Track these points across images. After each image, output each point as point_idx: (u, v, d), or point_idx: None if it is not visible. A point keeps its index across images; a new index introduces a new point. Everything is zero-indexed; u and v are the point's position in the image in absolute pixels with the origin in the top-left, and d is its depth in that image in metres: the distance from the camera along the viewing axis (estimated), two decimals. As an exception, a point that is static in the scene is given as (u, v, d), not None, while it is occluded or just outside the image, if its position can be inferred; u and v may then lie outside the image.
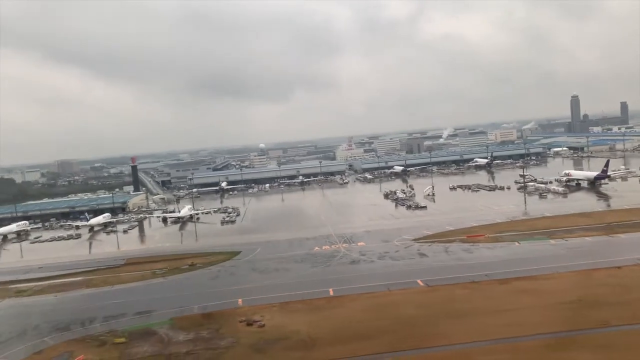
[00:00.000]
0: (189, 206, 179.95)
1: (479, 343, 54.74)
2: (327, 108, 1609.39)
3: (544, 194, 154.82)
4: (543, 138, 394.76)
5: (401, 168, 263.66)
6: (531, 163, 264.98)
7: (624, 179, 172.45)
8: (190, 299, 78.47)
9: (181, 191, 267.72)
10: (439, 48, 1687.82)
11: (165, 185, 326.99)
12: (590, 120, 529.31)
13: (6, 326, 73.86)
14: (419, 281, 77.10)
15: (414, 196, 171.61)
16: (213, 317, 69.78)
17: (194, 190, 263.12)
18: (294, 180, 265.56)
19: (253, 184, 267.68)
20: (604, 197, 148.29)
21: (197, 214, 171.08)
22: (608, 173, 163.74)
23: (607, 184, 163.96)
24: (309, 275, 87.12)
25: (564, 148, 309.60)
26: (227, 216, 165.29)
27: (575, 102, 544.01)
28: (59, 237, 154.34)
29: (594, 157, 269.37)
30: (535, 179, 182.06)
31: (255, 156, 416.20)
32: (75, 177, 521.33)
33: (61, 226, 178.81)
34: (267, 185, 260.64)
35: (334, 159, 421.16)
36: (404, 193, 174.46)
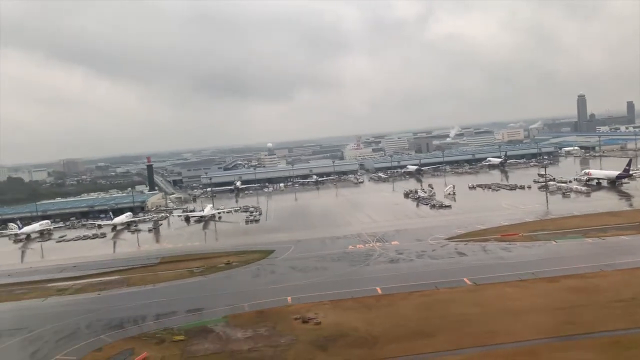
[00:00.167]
0: (211, 205, 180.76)
1: (542, 340, 55.27)
2: (328, 108, 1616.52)
3: (567, 193, 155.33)
4: (552, 137, 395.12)
5: (415, 167, 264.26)
6: (545, 162, 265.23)
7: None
8: (238, 297, 79.01)
9: (196, 190, 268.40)
10: (442, 48, 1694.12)
11: (176, 184, 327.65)
12: (597, 119, 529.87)
13: (58, 324, 74.30)
14: (465, 279, 77.63)
15: (435, 195, 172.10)
16: (266, 315, 70.38)
17: (208, 189, 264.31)
18: (308, 180, 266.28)
19: (266, 183, 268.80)
20: (627, 196, 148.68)
21: (219, 213, 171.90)
22: (630, 172, 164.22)
23: (629, 183, 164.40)
24: (350, 274, 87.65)
25: (576, 147, 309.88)
26: (250, 215, 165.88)
27: (582, 101, 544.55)
28: (84, 236, 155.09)
29: (606, 156, 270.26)
30: (554, 178, 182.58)
31: (265, 155, 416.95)
32: (82, 177, 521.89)
33: (83, 225, 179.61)
34: (282, 184, 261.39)
35: (342, 158, 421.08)
36: (425, 192, 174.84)
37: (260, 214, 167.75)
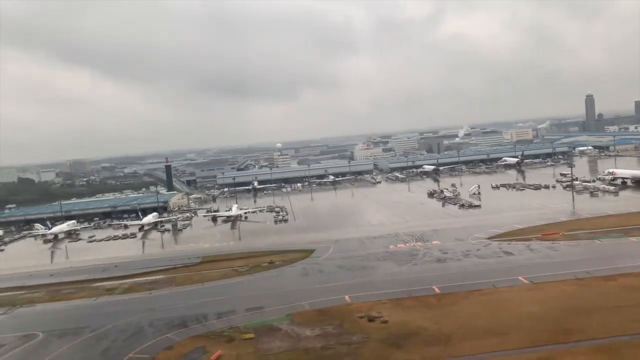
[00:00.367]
0: (236, 205, 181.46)
1: (617, 338, 55.86)
2: (329, 108, 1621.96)
3: (595, 193, 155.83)
4: (564, 137, 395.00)
5: (432, 167, 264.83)
6: (561, 162, 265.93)
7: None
8: (294, 296, 79.56)
9: (213, 190, 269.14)
10: (444, 48, 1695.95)
11: (190, 184, 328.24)
12: (605, 119, 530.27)
13: (119, 323, 74.97)
14: (521, 278, 78.27)
15: (460, 195, 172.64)
16: (329, 313, 71.02)
17: (226, 189, 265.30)
18: (325, 180, 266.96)
19: (282, 183, 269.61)
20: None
21: (245, 213, 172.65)
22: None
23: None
24: (401, 273, 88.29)
25: (589, 147, 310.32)
26: (278, 215, 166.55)
27: (589, 101, 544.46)
28: (114, 236, 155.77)
29: (621, 156, 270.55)
30: (577, 178, 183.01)
31: (278, 156, 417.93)
32: (91, 177, 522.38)
33: (109, 225, 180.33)
34: (299, 184, 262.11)
35: (352, 158, 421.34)
36: (451, 192, 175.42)
37: (287, 214, 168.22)
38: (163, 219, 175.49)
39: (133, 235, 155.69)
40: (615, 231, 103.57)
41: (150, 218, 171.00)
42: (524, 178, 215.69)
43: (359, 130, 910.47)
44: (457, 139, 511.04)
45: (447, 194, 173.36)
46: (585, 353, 53.31)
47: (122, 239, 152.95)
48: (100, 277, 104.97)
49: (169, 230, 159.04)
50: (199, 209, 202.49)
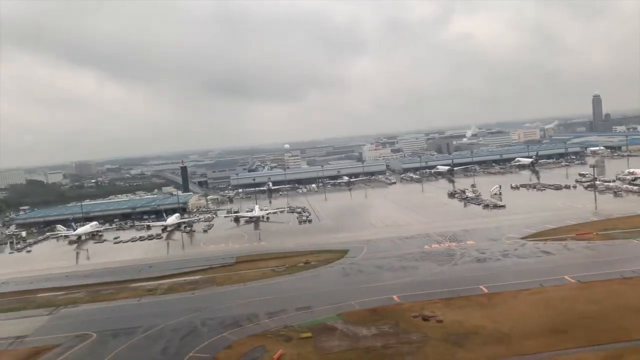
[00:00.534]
0: (258, 206, 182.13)
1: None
2: (332, 109, 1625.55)
3: (619, 193, 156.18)
4: (573, 137, 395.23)
5: (446, 168, 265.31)
6: (575, 162, 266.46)
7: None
8: (340, 296, 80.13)
9: (228, 192, 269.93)
10: (448, 49, 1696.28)
11: (201, 185, 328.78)
12: (612, 119, 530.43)
13: (170, 323, 75.57)
14: (567, 277, 78.80)
15: (481, 195, 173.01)
16: (381, 313, 71.58)
17: (240, 190, 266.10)
18: (339, 181, 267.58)
19: (296, 184, 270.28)
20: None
21: (267, 213, 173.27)
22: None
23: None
24: (444, 273, 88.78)
25: (601, 147, 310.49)
26: (301, 215, 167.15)
27: (596, 101, 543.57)
28: (140, 237, 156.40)
29: (634, 156, 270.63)
30: (597, 178, 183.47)
31: (289, 157, 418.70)
32: (99, 179, 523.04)
33: (131, 226, 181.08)
34: (314, 185, 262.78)
35: (361, 159, 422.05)
36: (472, 192, 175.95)
37: (309, 215, 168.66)
38: (186, 219, 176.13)
39: (159, 236, 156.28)
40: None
41: (174, 219, 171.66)
42: (538, 178, 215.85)
43: (361, 130, 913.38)
44: (464, 140, 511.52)
45: (468, 194, 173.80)
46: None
47: (149, 239, 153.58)
48: (138, 278, 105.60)
49: (194, 231, 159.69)
50: (218, 210, 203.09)
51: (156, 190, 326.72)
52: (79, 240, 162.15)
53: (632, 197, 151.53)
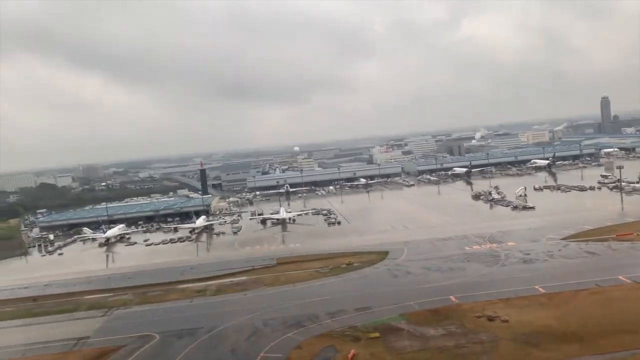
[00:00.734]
0: (283, 208, 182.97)
1: None
2: (334, 111, 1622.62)
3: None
4: (584, 139, 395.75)
5: (463, 170, 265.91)
6: (593, 164, 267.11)
7: None
8: (396, 296, 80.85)
9: (245, 194, 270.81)
10: (453, 51, 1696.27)
11: (215, 188, 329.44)
12: (621, 121, 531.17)
13: (231, 324, 76.20)
14: (621, 277, 79.49)
15: (506, 197, 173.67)
16: (443, 313, 72.26)
17: (257, 193, 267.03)
18: (356, 183, 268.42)
19: (312, 186, 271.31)
20: None
21: (293, 216, 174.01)
22: None
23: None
24: (494, 274, 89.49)
25: (615, 149, 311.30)
26: (329, 218, 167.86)
27: (605, 102, 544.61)
28: (170, 239, 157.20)
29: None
30: (619, 179, 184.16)
31: (303, 159, 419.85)
32: (108, 182, 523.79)
33: (157, 229, 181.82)
34: (331, 187, 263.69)
35: (371, 161, 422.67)
36: (499, 194, 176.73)
37: (337, 217, 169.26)
38: (213, 222, 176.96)
39: (189, 239, 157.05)
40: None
41: (202, 221, 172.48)
42: (556, 180, 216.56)
43: (365, 133, 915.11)
44: (473, 142, 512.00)
45: (494, 196, 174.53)
46: None
47: (179, 242, 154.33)
48: (183, 279, 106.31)
49: (223, 233, 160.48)
50: (241, 212, 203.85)
51: (171, 193, 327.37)
52: (107, 243, 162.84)
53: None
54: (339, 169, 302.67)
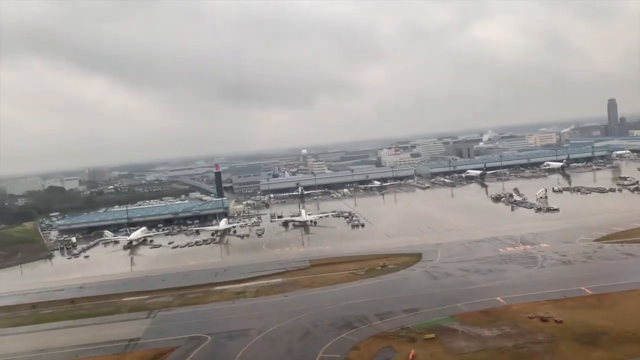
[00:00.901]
0: (304, 210, 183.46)
1: None
2: (336, 114, 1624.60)
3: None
4: (594, 141, 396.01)
5: (477, 172, 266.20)
6: (608, 166, 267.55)
7: None
8: (443, 297, 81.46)
9: (259, 196, 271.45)
10: (456, 52, 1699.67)
11: (226, 190, 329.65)
12: (628, 123, 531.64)
13: (281, 325, 76.60)
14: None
15: (527, 199, 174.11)
16: (494, 314, 72.72)
17: (271, 195, 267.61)
18: (371, 185, 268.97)
19: (325, 189, 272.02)
20: None
21: (315, 219, 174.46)
22: None
23: None
24: (536, 275, 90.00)
25: (627, 151, 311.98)
26: (352, 220, 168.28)
27: (612, 105, 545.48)
28: (196, 242, 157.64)
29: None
30: (638, 181, 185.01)
31: (314, 162, 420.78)
32: (116, 185, 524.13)
33: (179, 231, 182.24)
34: (346, 189, 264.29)
35: (379, 163, 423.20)
36: (520, 196, 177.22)
37: (359, 219, 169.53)
38: (235, 224, 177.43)
39: (214, 241, 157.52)
40: None
41: (224, 223, 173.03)
42: (570, 182, 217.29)
43: (367, 135, 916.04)
44: (481, 144, 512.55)
45: (517, 198, 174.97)
46: None
47: (205, 244, 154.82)
48: (219, 281, 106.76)
49: (247, 236, 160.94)
50: (260, 215, 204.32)
51: (183, 195, 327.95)
52: (131, 246, 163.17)
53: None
54: (352, 171, 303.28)
